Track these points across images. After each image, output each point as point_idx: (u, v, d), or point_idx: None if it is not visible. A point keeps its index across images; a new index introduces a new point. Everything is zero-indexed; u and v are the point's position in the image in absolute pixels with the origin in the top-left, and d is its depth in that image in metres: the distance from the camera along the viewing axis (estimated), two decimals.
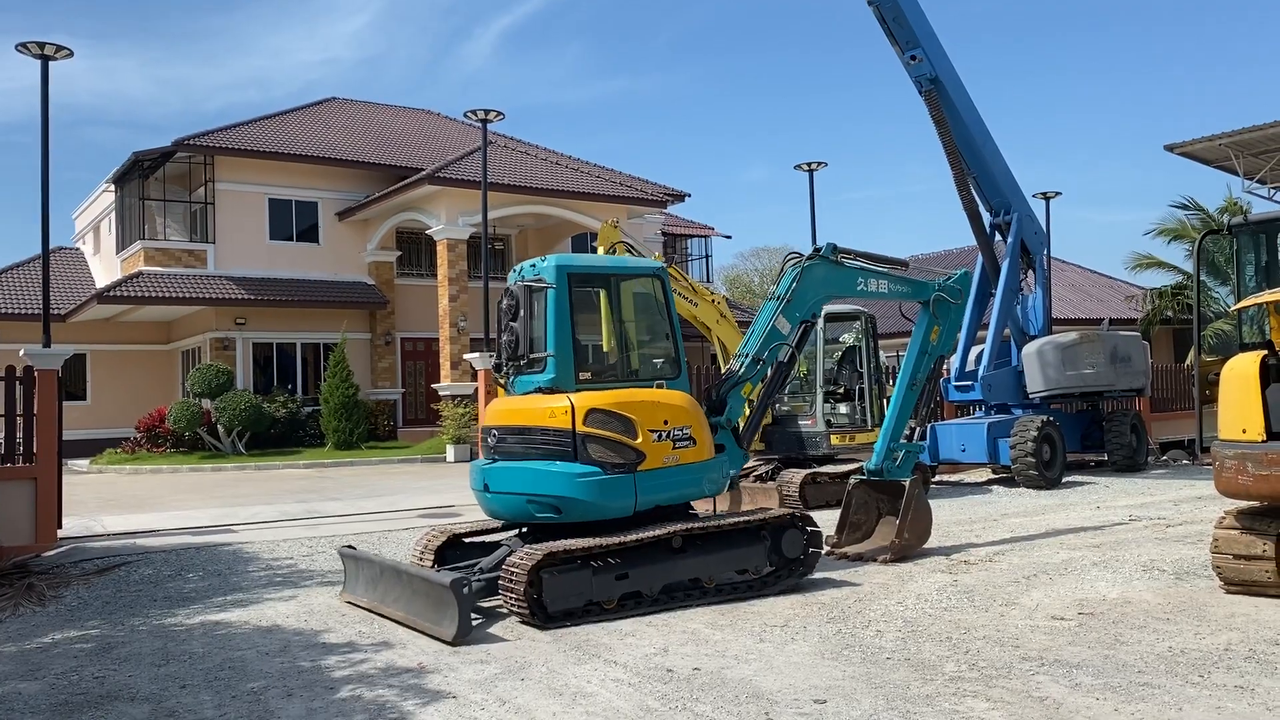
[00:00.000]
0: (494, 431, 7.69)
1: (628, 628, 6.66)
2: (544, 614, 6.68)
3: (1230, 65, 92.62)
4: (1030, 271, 17.63)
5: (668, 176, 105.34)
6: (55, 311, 25.98)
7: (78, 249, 34.33)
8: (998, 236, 17.41)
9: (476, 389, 18.65)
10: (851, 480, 9.93)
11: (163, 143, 26.32)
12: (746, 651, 6.00)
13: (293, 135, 29.15)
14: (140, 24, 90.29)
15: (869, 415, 14.09)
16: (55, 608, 7.92)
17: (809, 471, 13.26)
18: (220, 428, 23.98)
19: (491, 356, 17.32)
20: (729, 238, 79.93)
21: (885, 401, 13.43)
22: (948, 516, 12.09)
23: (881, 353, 15.22)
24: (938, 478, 16.11)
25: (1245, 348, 7.54)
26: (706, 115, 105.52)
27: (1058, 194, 22.65)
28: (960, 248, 34.99)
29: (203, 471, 21.63)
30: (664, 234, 34.53)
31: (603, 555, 6.93)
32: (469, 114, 20.25)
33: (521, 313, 7.52)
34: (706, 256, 40.71)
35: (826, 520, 11.23)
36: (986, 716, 4.73)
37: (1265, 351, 7.03)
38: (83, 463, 23.84)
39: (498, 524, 8.09)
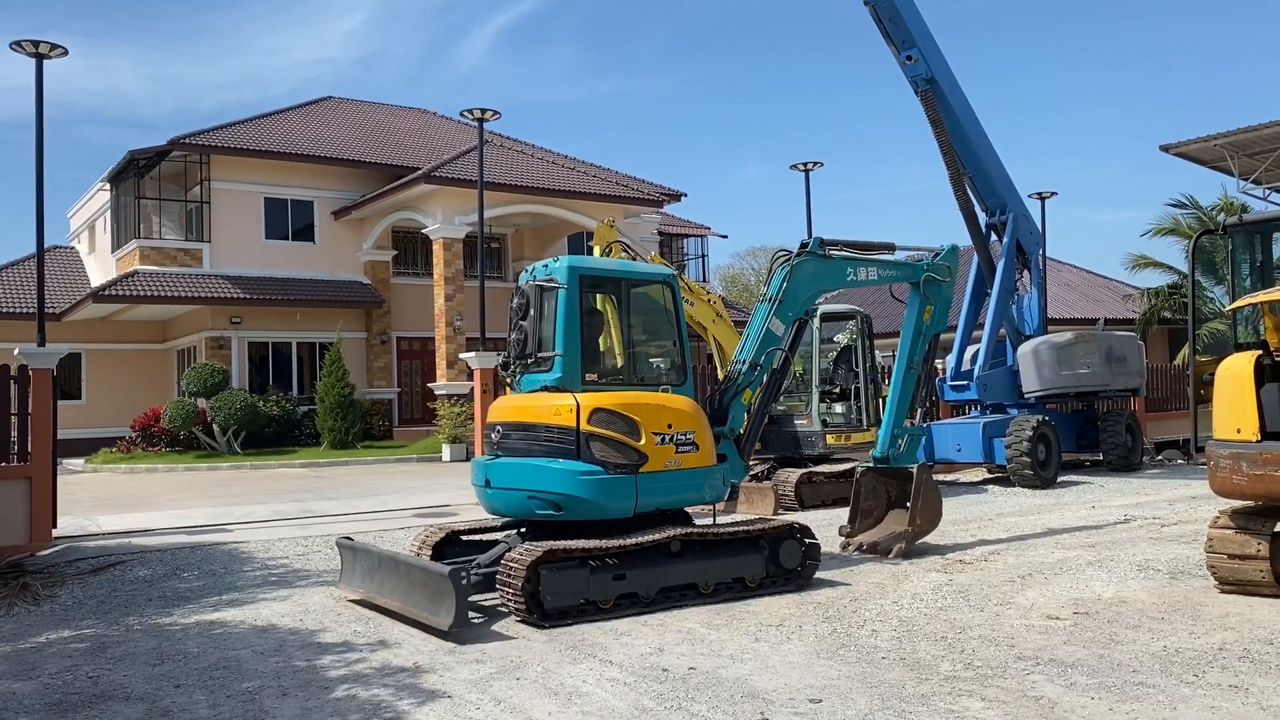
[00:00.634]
0: (498, 427, 7.71)
1: (623, 627, 6.66)
2: (541, 611, 6.69)
3: (1227, 65, 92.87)
4: (1026, 271, 17.66)
5: (664, 176, 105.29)
6: (50, 310, 25.88)
7: (73, 248, 34.24)
8: (993, 236, 17.45)
9: (472, 388, 18.61)
10: (859, 468, 9.98)
11: (158, 141, 26.27)
12: (742, 651, 6.01)
13: (288, 134, 29.11)
14: (135, 22, 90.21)
15: (864, 415, 14.12)
16: (50, 607, 7.90)
17: (804, 471, 13.28)
18: (215, 427, 23.94)
19: (489, 355, 17.34)
20: (725, 237, 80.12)
21: (881, 401, 13.46)
22: (943, 516, 12.09)
23: (877, 352, 15.24)
24: (934, 477, 16.09)
25: (1240, 348, 7.54)
26: (702, 115, 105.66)
27: (1053, 194, 22.71)
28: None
29: (198, 471, 21.59)
30: (660, 233, 34.52)
31: (601, 556, 6.95)
32: (465, 113, 20.22)
33: (531, 312, 7.54)
34: (703, 256, 40.74)
35: (822, 520, 11.27)
36: (981, 716, 4.73)
37: (1260, 352, 7.05)
38: (78, 462, 23.79)
39: (496, 522, 8.13)
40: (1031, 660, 5.64)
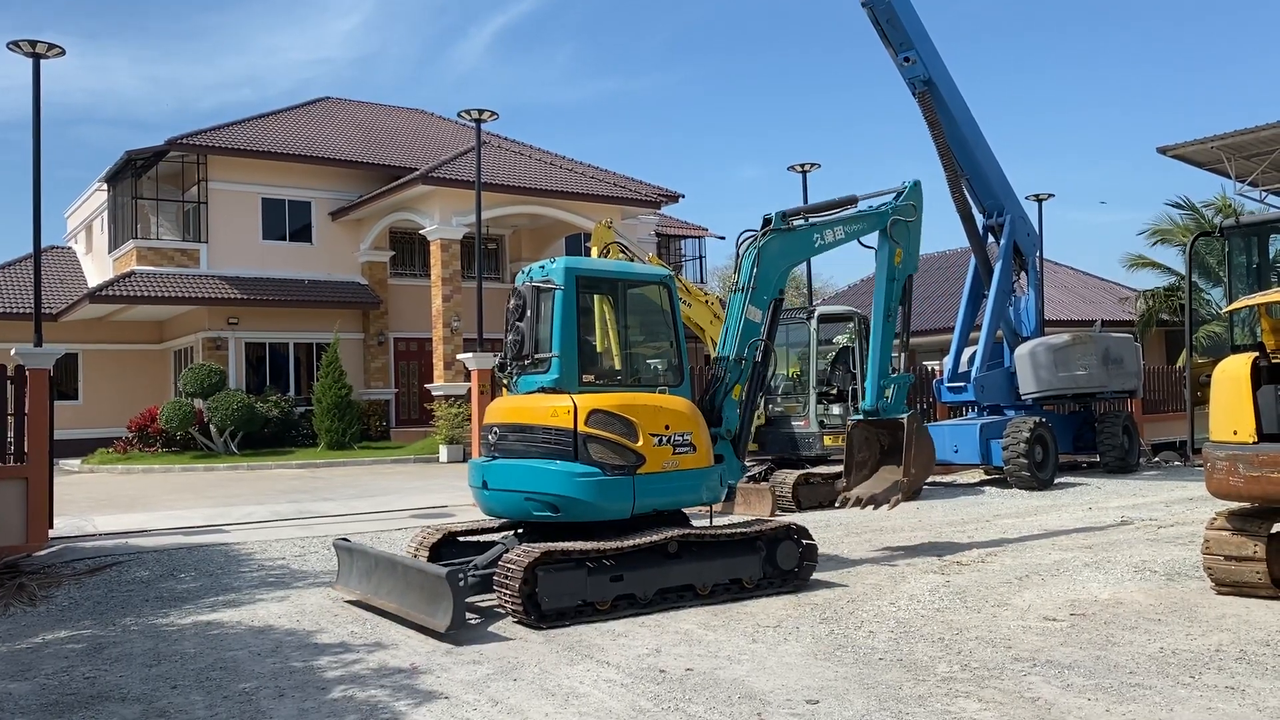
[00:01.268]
0: (495, 429, 7.70)
1: (620, 628, 6.66)
2: (538, 612, 6.68)
3: (1224, 67, 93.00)
4: (1023, 273, 17.66)
5: (661, 177, 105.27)
6: (47, 310, 25.86)
7: (70, 248, 34.20)
8: (991, 238, 17.45)
9: (470, 389, 18.57)
10: (849, 421, 9.99)
11: (155, 142, 26.26)
12: (739, 652, 6.01)
13: (286, 135, 29.09)
14: (133, 22, 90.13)
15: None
16: (46, 608, 7.89)
17: (802, 472, 13.27)
18: (212, 427, 23.92)
19: (487, 356, 17.31)
20: (723, 238, 79.48)
21: None
22: (940, 517, 12.12)
23: None
24: (931, 479, 16.12)
25: (1237, 350, 7.57)
26: (700, 116, 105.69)
27: (1050, 195, 22.74)
28: (954, 249, 35.06)
29: (195, 471, 21.56)
30: (658, 234, 34.52)
31: (599, 557, 6.95)
32: (463, 114, 20.20)
33: (528, 313, 7.53)
34: (700, 257, 40.80)
35: (820, 521, 11.27)
36: (978, 717, 4.74)
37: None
38: (74, 462, 23.75)
39: (493, 524, 8.13)
40: (1028, 661, 5.65)
